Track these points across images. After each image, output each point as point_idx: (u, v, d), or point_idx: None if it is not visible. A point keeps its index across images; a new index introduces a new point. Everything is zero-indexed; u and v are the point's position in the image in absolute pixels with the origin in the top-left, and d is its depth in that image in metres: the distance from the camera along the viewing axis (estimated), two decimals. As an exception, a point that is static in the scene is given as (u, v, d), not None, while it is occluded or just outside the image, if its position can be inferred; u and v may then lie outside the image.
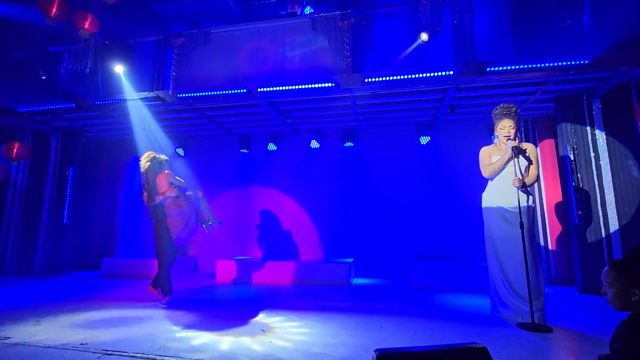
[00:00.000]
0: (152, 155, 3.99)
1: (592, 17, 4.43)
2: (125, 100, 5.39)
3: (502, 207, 3.23)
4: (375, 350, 1.36)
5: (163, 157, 4.09)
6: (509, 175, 3.20)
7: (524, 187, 3.12)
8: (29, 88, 6.01)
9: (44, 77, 5.93)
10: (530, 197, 3.19)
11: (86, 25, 4.93)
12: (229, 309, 3.68)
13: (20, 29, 6.53)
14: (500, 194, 3.26)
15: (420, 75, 4.47)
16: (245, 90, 4.99)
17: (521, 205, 3.06)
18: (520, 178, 3.09)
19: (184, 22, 7.27)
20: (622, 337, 1.26)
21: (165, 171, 3.93)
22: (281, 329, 2.93)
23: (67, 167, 6.44)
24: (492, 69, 4.26)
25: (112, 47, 5.48)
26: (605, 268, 1.40)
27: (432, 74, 4.43)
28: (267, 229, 6.64)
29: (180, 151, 6.85)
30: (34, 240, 6.28)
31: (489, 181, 3.41)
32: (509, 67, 4.25)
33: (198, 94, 5.13)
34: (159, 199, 3.81)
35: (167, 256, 3.85)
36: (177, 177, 3.98)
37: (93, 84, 5.63)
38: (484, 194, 3.44)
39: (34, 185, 6.49)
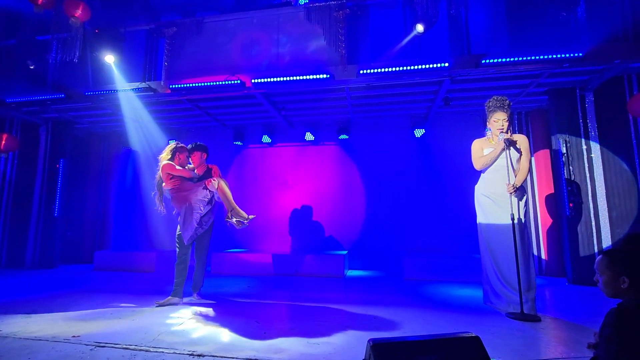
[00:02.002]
0: (169, 146, 3.68)
1: (587, 11, 4.43)
2: (116, 91, 5.28)
3: (494, 200, 3.25)
4: (369, 340, 1.37)
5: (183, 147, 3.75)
6: (501, 168, 3.22)
7: (517, 190, 3.13)
8: (16, 78, 5.84)
9: (32, 67, 5.77)
10: (523, 191, 3.21)
11: (78, 14, 4.80)
12: (223, 302, 3.67)
13: (6, 17, 6.35)
14: (492, 186, 3.28)
15: (416, 67, 4.45)
16: (239, 82, 4.93)
17: (512, 198, 3.09)
18: (514, 185, 3.09)
19: (176, 11, 7.12)
20: (610, 325, 1.29)
21: (164, 162, 3.56)
22: (273, 321, 2.94)
23: (58, 159, 6.33)
24: (488, 61, 4.26)
25: (102, 36, 5.34)
26: (598, 257, 1.43)
27: (427, 66, 4.41)
28: (261, 222, 6.62)
29: (173, 143, 6.76)
30: (24, 233, 6.19)
31: (482, 174, 3.43)
32: (504, 59, 4.25)
33: (191, 84, 5.05)
34: (164, 193, 3.60)
35: (177, 250, 3.65)
36: (180, 167, 3.59)
37: (83, 74, 5.50)
38: (476, 187, 3.46)
39: (24, 178, 6.38)
